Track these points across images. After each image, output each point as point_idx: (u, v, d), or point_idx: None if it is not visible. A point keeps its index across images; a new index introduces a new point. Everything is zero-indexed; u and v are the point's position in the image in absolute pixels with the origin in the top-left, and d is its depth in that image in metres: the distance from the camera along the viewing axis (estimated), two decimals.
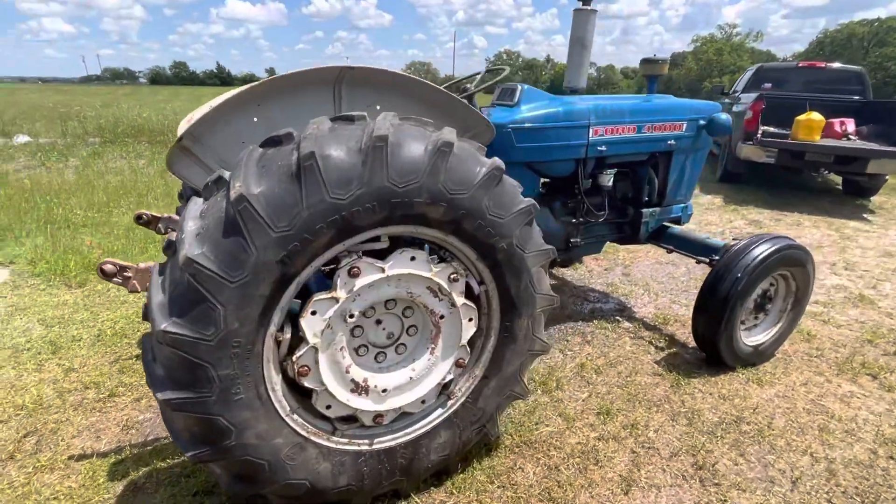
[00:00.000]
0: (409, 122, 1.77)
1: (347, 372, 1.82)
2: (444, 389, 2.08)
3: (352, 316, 1.76)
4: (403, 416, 2.01)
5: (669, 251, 3.48)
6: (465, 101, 2.29)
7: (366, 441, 1.92)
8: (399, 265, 1.78)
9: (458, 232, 1.80)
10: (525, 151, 2.83)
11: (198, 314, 1.46)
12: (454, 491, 2.12)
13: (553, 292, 2.10)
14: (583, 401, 2.75)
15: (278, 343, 1.69)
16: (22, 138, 10.70)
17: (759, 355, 3.11)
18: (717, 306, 2.83)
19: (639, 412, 2.65)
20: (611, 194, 3.31)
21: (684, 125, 3.26)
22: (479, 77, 3.05)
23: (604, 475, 2.23)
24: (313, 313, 1.68)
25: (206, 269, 1.44)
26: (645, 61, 3.42)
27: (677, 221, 3.61)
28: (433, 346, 1.97)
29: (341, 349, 1.79)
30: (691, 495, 2.14)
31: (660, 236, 3.57)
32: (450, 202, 1.70)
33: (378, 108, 2.15)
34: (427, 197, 1.66)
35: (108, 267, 1.96)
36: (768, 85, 9.20)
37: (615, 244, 3.68)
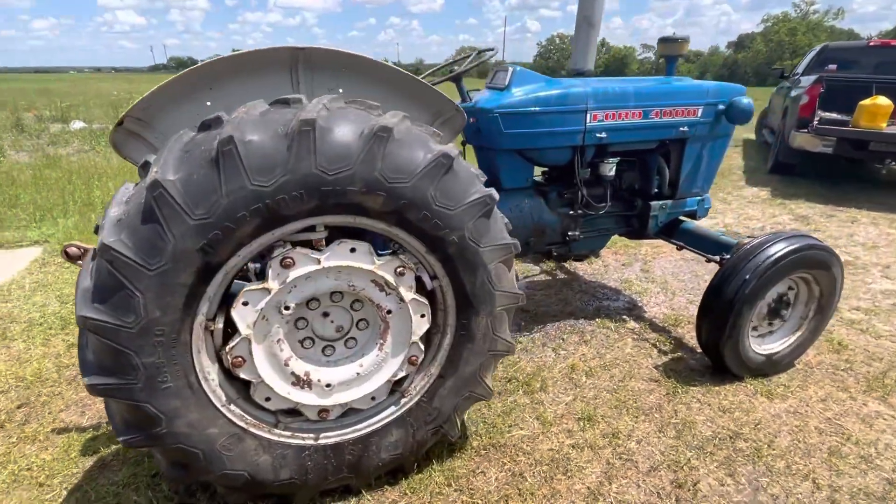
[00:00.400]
0: (352, 106, 1.67)
1: (287, 365, 1.77)
2: (398, 387, 2.00)
3: (287, 308, 1.70)
4: (352, 412, 1.95)
5: (679, 248, 3.22)
6: (428, 83, 2.15)
7: (311, 435, 1.88)
8: (337, 257, 1.70)
9: (402, 223, 1.69)
10: (514, 138, 2.67)
11: (117, 301, 1.45)
12: (408, 491, 2.05)
13: (517, 290, 1.95)
14: (566, 404, 2.59)
15: (211, 332, 1.66)
16: (77, 124, 11.44)
17: (773, 365, 2.82)
18: (721, 309, 2.58)
19: (624, 420, 2.47)
20: (614, 185, 3.08)
21: (700, 110, 2.97)
22: (469, 59, 2.89)
23: (570, 486, 2.09)
24: (245, 304, 1.64)
25: (123, 256, 1.41)
26: (663, 40, 3.14)
27: (692, 216, 3.32)
28: (382, 341, 1.89)
29: (278, 341, 1.74)
30: None
31: (672, 231, 3.30)
32: (389, 191, 1.60)
33: (340, 91, 2.06)
34: (362, 185, 1.57)
35: (73, 250, 2.00)
36: (832, 67, 8.35)
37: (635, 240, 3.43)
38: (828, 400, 2.65)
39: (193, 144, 1.48)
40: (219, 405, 1.71)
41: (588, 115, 2.73)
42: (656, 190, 3.18)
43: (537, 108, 2.64)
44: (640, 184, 3.20)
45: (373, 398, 1.94)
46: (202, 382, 1.66)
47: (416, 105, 2.12)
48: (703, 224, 3.44)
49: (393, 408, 1.98)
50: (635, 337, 3.25)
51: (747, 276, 2.51)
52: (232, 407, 1.75)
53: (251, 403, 1.80)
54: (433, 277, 1.87)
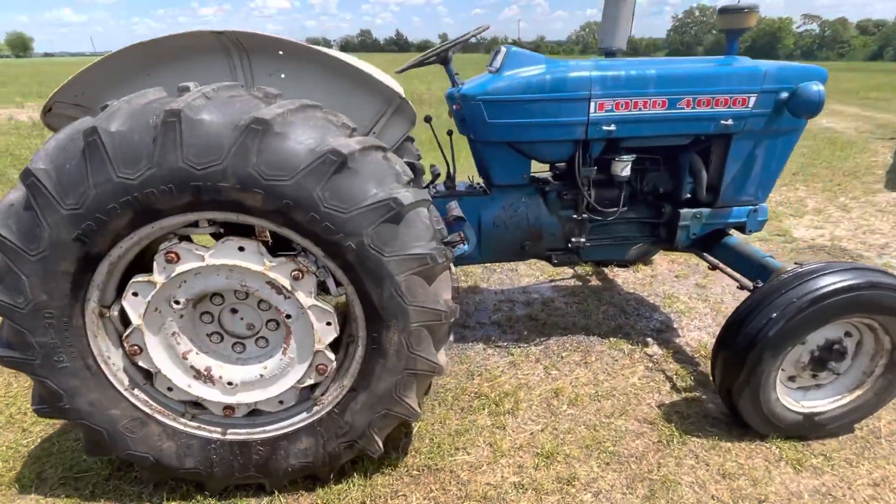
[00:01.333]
0: (245, 95, 1.56)
1: (185, 358, 1.76)
2: (310, 393, 1.90)
3: (177, 302, 1.67)
4: (259, 413, 1.89)
5: (711, 268, 2.66)
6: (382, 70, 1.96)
7: (218, 430, 1.86)
8: (223, 255, 1.61)
9: (291, 225, 1.56)
10: (501, 129, 2.36)
11: (9, 283, 1.52)
12: (319, 502, 1.96)
13: (441, 306, 1.72)
14: (530, 434, 2.30)
15: (110, 319, 1.69)
16: None
17: (816, 428, 2.22)
18: (738, 349, 2.07)
19: (589, 465, 2.12)
20: (633, 187, 2.62)
21: (752, 99, 2.37)
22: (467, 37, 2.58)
23: None
24: (134, 294, 1.64)
25: (8, 241, 1.47)
26: (723, 11, 2.54)
27: (741, 229, 2.71)
28: (285, 346, 1.79)
29: (174, 334, 1.72)
30: None
31: (710, 245, 2.74)
32: (267, 189, 1.47)
33: (283, 76, 1.96)
34: (235, 182, 1.46)
35: None
36: None
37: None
38: (883, 485, 2.02)
39: (72, 133, 1.48)
40: (121, 389, 1.75)
41: (592, 104, 2.31)
42: (689, 195, 2.63)
43: (527, 96, 2.29)
44: (668, 187, 2.67)
45: (280, 402, 1.86)
46: (101, 365, 1.70)
47: (360, 95, 1.97)
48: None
49: (304, 415, 1.88)
50: (650, 365, 2.78)
51: (774, 315, 1.97)
52: (136, 392, 1.78)
53: (158, 391, 1.83)
54: (338, 284, 1.72)
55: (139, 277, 1.62)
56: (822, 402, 2.23)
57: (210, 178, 1.44)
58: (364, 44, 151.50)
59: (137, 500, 1.94)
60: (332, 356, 1.81)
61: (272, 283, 1.67)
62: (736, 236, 2.69)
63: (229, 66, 1.91)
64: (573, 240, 2.64)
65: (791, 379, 2.22)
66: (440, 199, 2.61)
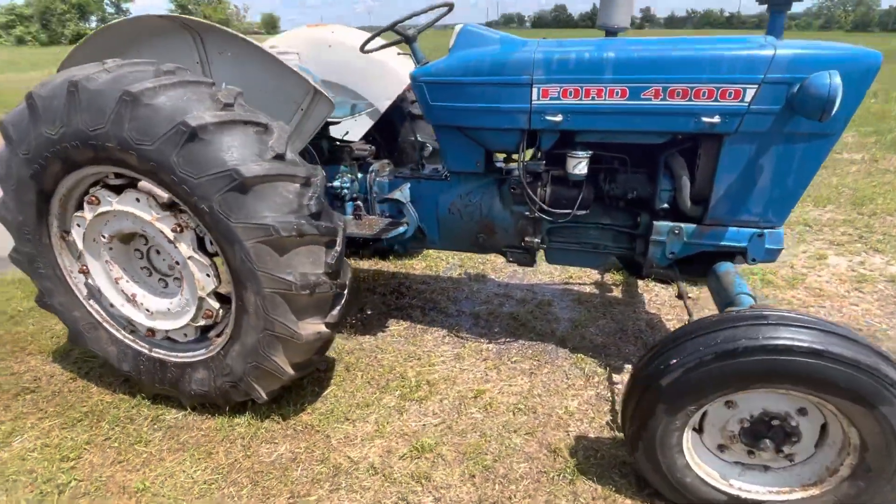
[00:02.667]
0: (142, 71, 1.83)
1: (118, 283, 2.19)
2: (208, 333, 2.19)
3: (104, 236, 2.08)
4: (173, 340, 2.25)
5: (679, 297, 2.19)
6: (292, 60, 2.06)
7: (145, 346, 2.29)
8: (125, 203, 1.96)
9: (162, 183, 1.82)
10: (442, 112, 2.27)
11: (4, 206, 2.10)
12: (211, 428, 2.26)
13: (290, 277, 1.83)
14: (422, 425, 2.27)
15: (68, 242, 2.19)
16: None
17: None
18: (632, 392, 1.75)
19: (452, 471, 2.02)
20: (597, 189, 2.27)
21: (750, 91, 1.85)
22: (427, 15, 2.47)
23: (268, 496, 1.93)
24: (78, 226, 2.09)
25: (0, 176, 2.03)
26: None
27: (742, 255, 2.16)
28: (181, 288, 2.09)
29: (107, 262, 2.16)
30: None
31: (698, 269, 2.26)
32: (137, 152, 1.75)
33: (229, 54, 2.22)
34: (116, 143, 1.76)
35: None
36: None
37: None
38: None
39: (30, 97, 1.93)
40: (80, 297, 2.27)
41: (535, 91, 2.06)
42: (667, 205, 2.18)
43: (466, 79, 2.15)
44: (640, 193, 2.23)
45: (185, 335, 2.20)
46: (66, 276, 2.23)
47: (283, 85, 2.11)
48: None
49: (202, 351, 2.20)
50: (602, 393, 2.44)
51: (673, 361, 1.60)
52: (91, 302, 2.29)
53: (104, 305, 2.31)
54: (211, 242, 1.94)
55: (77, 213, 2.08)
56: (761, 490, 1.74)
57: (99, 138, 1.77)
58: (558, 19, 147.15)
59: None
60: (215, 304, 2.06)
61: (163, 233, 1.98)
62: (724, 265, 2.15)
63: (189, 46, 2.22)
64: (527, 238, 2.43)
65: (721, 448, 1.77)
66: (400, 179, 2.64)
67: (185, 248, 1.96)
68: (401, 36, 2.44)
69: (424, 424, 2.27)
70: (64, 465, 2.06)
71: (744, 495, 1.74)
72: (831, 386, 1.45)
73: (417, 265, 3.81)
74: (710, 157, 2.04)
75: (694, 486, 1.76)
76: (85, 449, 2.14)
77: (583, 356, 2.70)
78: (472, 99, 2.18)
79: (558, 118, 2.07)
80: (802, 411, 1.62)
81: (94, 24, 76.38)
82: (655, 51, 1.96)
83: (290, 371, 2.05)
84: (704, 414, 1.73)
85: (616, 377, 2.55)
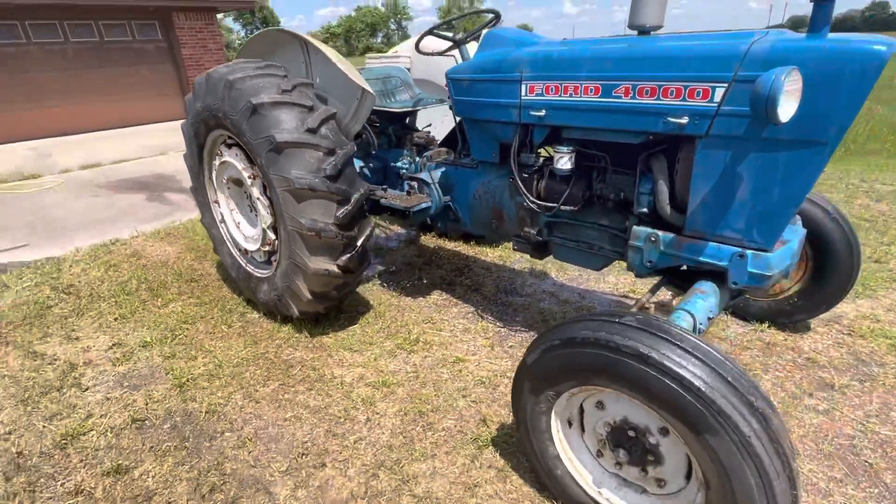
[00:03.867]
0: (247, 67, 2.67)
1: (231, 213, 3.17)
2: (270, 258, 3.00)
3: (224, 179, 3.05)
4: (255, 259, 3.13)
5: (643, 307, 2.03)
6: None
7: (243, 261, 3.23)
8: (231, 156, 2.86)
9: (242, 144, 2.65)
10: (462, 106, 2.59)
11: (186, 153, 3.26)
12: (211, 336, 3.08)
13: (307, 222, 2.45)
14: (397, 368, 2.65)
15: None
16: None
17: None
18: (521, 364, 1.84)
19: (394, 406, 2.37)
20: (584, 186, 2.26)
21: (720, 90, 1.69)
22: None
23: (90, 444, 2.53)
24: (213, 170, 3.12)
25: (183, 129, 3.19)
26: None
27: (722, 276, 1.90)
28: (257, 220, 2.93)
29: (227, 198, 3.14)
30: None
31: (679, 285, 2.07)
32: (230, 120, 2.60)
33: (319, 59, 2.97)
34: (222, 114, 2.65)
35: None
36: None
37: None
38: None
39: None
40: (216, 221, 3.33)
41: (523, 87, 2.21)
42: (645, 209, 2.04)
43: (475, 76, 2.41)
44: (620, 194, 2.12)
45: (259, 256, 3.05)
46: (210, 205, 3.31)
47: (346, 83, 2.71)
48: None
49: (267, 270, 3.02)
50: None
51: (539, 342, 1.67)
52: (221, 225, 3.33)
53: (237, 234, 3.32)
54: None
55: (213, 161, 3.09)
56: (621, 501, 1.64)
57: (216, 111, 2.68)
58: (871, 21, 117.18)
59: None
60: (272, 235, 2.84)
61: (247, 179, 2.82)
62: (704, 284, 1.92)
63: (299, 51, 3.03)
64: (525, 229, 2.56)
65: (599, 454, 1.72)
66: (438, 164, 3.03)
67: (256, 191, 2.78)
68: (447, 39, 2.82)
69: (400, 369, 2.66)
70: (184, 324, 3.13)
71: None
72: (655, 398, 1.35)
73: (491, 253, 4.09)
74: (685, 162, 1.89)
75: (563, 481, 1.76)
76: (199, 319, 3.19)
77: None
78: (480, 94, 2.44)
79: (542, 113, 2.18)
80: (664, 431, 1.49)
81: (379, 39, 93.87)
82: (628, 48, 1.92)
83: (308, 296, 2.69)
84: (583, 412, 1.71)
85: None
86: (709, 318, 1.83)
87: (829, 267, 2.59)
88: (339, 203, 2.51)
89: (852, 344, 2.74)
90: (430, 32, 2.88)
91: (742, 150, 1.72)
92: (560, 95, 2.11)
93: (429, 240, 4.43)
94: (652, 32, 2.26)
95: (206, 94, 2.75)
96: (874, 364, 2.58)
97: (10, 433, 2.29)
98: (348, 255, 2.62)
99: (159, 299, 3.46)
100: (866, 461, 2.02)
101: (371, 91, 2.67)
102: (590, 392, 1.60)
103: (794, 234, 1.96)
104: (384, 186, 3.19)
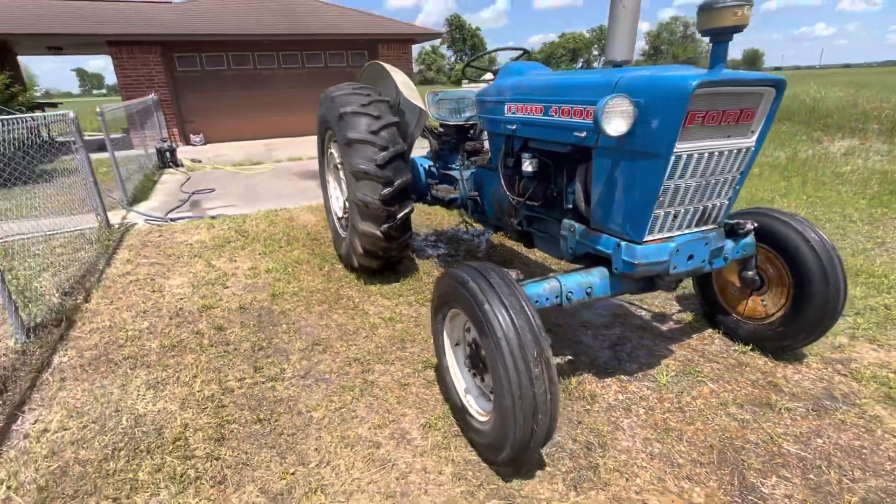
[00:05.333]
0: (346, 88, 3.86)
1: (335, 189, 4.44)
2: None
3: (331, 167, 4.32)
4: (343, 223, 4.33)
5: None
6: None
7: (342, 232, 4.48)
8: (333, 149, 4.10)
9: (335, 139, 3.85)
10: (483, 122, 3.34)
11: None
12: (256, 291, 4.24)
13: (359, 197, 3.53)
14: (407, 315, 3.52)
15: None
16: None
17: (465, 427, 2.30)
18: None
19: (380, 340, 3.25)
20: (543, 185, 2.81)
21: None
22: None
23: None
24: (327, 158, 4.42)
25: None
26: (702, 10, 2.24)
27: (607, 263, 2.32)
28: (343, 195, 4.12)
29: (334, 178, 4.42)
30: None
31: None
32: (329, 123, 3.82)
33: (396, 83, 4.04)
34: (327, 119, 3.89)
35: None
36: None
37: None
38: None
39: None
40: (331, 212, 4.66)
41: (506, 107, 2.88)
42: (571, 206, 2.53)
43: (487, 98, 3.14)
44: (556, 193, 2.61)
45: (344, 223, 4.24)
46: (326, 184, 4.65)
47: (410, 102, 3.73)
48: None
49: (347, 233, 4.19)
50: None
51: (438, 282, 2.39)
52: (330, 198, 4.65)
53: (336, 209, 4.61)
54: None
55: (327, 153, 4.38)
56: (479, 410, 2.24)
57: (324, 117, 3.93)
58: None
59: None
60: (347, 206, 3.98)
61: (339, 165, 4.02)
62: (599, 272, 2.35)
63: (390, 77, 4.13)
64: (512, 220, 3.18)
65: (466, 366, 2.34)
66: (470, 167, 3.82)
67: (342, 174, 3.95)
68: (487, 70, 3.60)
69: (409, 313, 3.52)
70: (296, 263, 4.49)
71: (470, 409, 2.28)
72: (469, 316, 1.99)
73: (540, 255, 4.63)
74: (589, 168, 2.37)
75: (449, 387, 2.43)
76: (305, 262, 4.53)
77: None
78: (489, 112, 3.18)
79: (515, 127, 2.84)
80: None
81: (580, 65, 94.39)
82: (559, 78, 2.49)
83: (360, 251, 3.76)
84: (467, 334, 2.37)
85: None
86: (587, 293, 2.30)
87: (806, 296, 2.61)
88: (384, 185, 3.50)
89: (836, 382, 2.66)
90: (467, 65, 3.73)
91: (615, 159, 2.19)
92: (524, 114, 2.75)
93: (497, 238, 5.16)
94: (623, 65, 2.77)
95: (322, 106, 4.03)
96: (841, 401, 2.52)
97: (181, 299, 3.84)
98: (388, 225, 3.59)
99: (289, 247, 4.94)
100: (744, 461, 2.18)
101: (424, 109, 3.61)
102: (457, 313, 2.26)
103: (691, 239, 2.25)
104: (437, 180, 4.10)
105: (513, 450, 1.89)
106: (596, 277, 2.33)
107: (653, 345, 3.07)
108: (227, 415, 2.51)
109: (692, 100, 1.89)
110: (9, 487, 2.07)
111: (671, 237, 2.24)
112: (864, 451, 2.20)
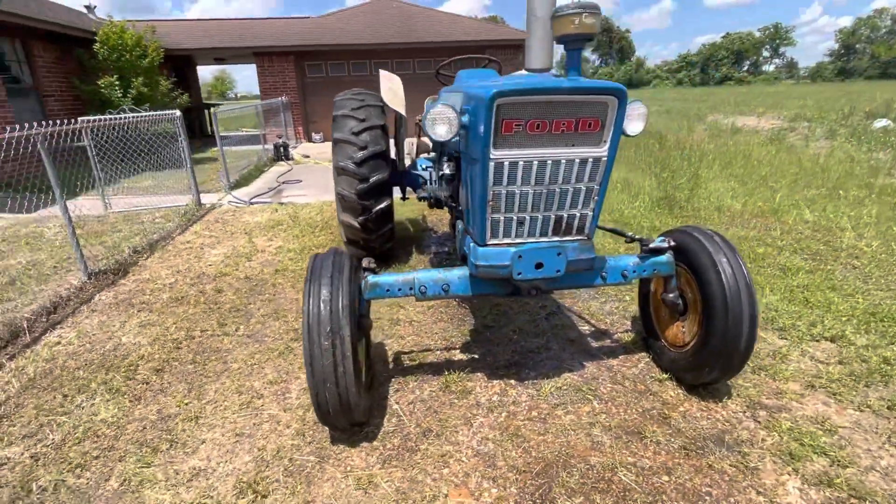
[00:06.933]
0: (349, 93, 4.33)
1: None
2: None
3: None
4: None
5: None
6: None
7: None
8: None
9: None
10: None
11: None
12: None
13: (339, 190, 3.99)
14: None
15: None
16: (882, 122, 10.53)
17: None
18: None
19: None
20: (455, 186, 2.94)
21: (455, 119, 2.30)
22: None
23: None
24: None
25: None
26: (552, 18, 2.26)
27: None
28: None
29: None
30: None
31: None
32: (334, 118, 4.34)
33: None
34: (336, 112, 4.41)
35: None
36: None
37: None
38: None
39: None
40: None
41: None
42: (462, 207, 2.64)
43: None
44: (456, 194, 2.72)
45: None
46: None
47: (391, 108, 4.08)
48: None
49: None
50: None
51: None
52: None
53: None
54: None
55: None
56: None
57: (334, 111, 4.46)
58: None
59: None
60: None
61: None
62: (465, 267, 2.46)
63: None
64: (454, 215, 3.34)
65: None
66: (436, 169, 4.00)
67: None
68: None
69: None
70: (314, 247, 5.12)
71: None
72: None
73: None
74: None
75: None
76: (327, 245, 5.13)
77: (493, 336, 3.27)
78: None
79: None
80: None
81: (745, 67, 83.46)
82: (456, 86, 2.62)
83: (345, 239, 4.21)
84: None
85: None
86: (444, 289, 2.43)
87: (710, 328, 2.39)
88: (360, 181, 3.90)
89: (740, 428, 2.37)
90: (437, 72, 3.93)
91: (464, 164, 2.31)
92: None
93: None
94: (542, 72, 2.81)
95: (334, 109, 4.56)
96: (728, 447, 2.26)
97: (209, 265, 4.68)
98: (365, 217, 3.98)
99: (319, 233, 5.60)
100: (563, 479, 2.14)
101: (403, 114, 3.92)
102: None
103: (541, 247, 2.24)
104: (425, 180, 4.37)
105: (318, 415, 2.15)
106: (455, 276, 2.44)
107: (569, 357, 2.99)
108: (176, 354, 3.14)
109: (500, 109, 1.95)
110: (14, 376, 2.92)
111: (517, 243, 2.26)
112: (707, 499, 1.99)
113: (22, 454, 2.32)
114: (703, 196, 6.43)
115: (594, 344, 3.15)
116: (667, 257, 2.59)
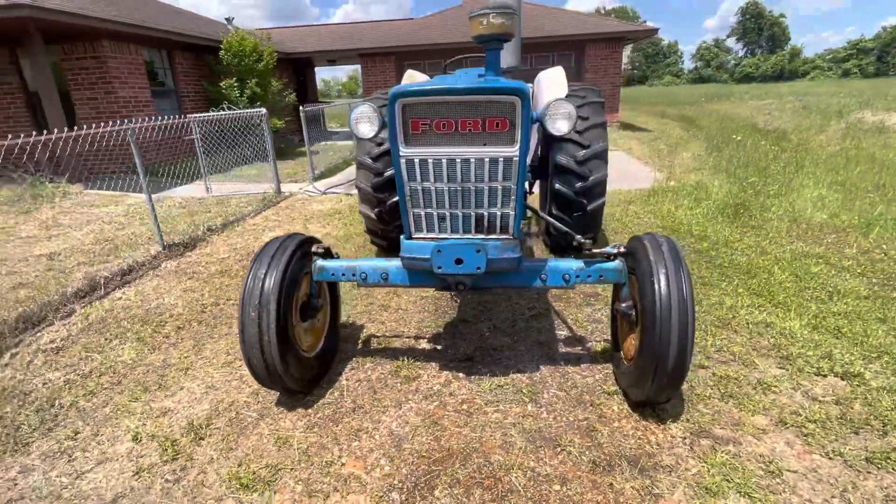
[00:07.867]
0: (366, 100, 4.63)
1: None
2: None
3: None
4: None
5: None
6: None
7: None
8: None
9: None
10: None
11: None
12: None
13: (356, 182, 4.33)
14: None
15: None
16: None
17: None
18: None
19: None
20: None
21: None
22: None
23: None
24: None
25: None
26: (472, 17, 2.31)
27: None
28: None
29: None
30: None
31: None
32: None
33: None
34: None
35: None
36: None
37: None
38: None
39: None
40: None
41: None
42: None
43: None
44: None
45: None
46: None
47: None
48: None
49: None
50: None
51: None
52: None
53: None
54: None
55: None
56: None
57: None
58: None
59: None
60: None
61: None
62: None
63: None
64: None
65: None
66: None
67: None
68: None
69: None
70: (348, 237, 5.54)
71: None
72: None
73: None
74: None
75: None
76: (353, 239, 5.53)
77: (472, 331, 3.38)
78: None
79: None
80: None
81: None
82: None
83: (364, 228, 4.54)
84: None
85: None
86: (383, 278, 2.59)
87: (643, 340, 2.25)
88: (376, 175, 4.17)
89: (667, 453, 2.21)
90: (445, 68, 4.00)
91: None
92: None
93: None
94: (511, 71, 2.85)
95: None
96: (641, 469, 2.13)
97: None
98: (380, 209, 4.26)
99: (352, 222, 6.03)
100: (443, 468, 2.20)
101: None
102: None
103: (460, 244, 2.29)
104: None
105: (253, 377, 2.46)
106: (394, 266, 2.59)
107: (529, 359, 2.96)
108: (199, 317, 3.71)
109: (406, 109, 2.05)
110: (80, 319, 3.69)
111: (438, 238, 2.34)
112: None
113: (59, 378, 2.98)
114: (784, 205, 5.64)
115: (562, 349, 3.06)
116: (615, 264, 2.46)
